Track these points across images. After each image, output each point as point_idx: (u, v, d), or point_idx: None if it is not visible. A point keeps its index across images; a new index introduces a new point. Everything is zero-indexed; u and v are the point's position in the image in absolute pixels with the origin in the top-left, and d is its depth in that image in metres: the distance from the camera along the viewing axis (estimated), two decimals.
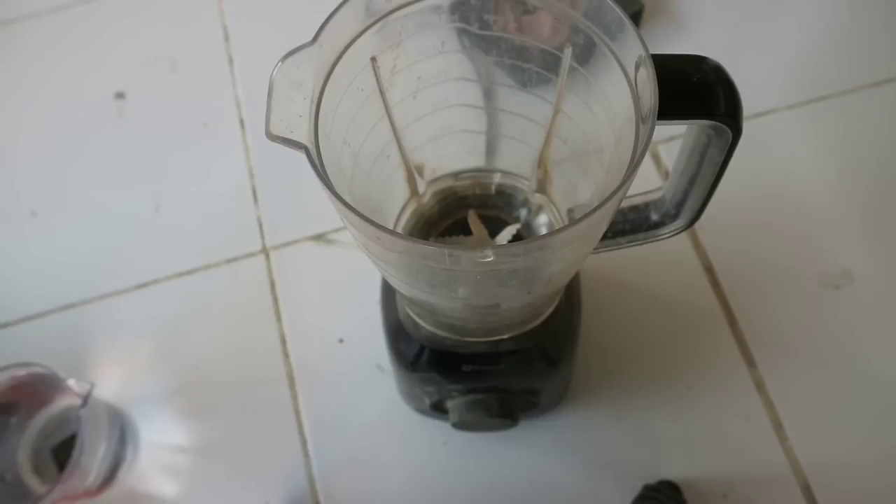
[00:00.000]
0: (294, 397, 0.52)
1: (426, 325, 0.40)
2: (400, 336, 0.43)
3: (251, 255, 0.56)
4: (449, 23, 0.31)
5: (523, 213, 0.41)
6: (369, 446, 0.50)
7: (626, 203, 0.37)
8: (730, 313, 0.52)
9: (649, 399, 0.50)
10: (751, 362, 0.51)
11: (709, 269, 0.54)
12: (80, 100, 0.63)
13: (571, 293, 0.43)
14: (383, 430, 0.50)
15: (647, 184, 0.36)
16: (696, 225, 0.36)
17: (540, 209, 0.40)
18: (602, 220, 0.28)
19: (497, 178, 0.40)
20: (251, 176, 0.59)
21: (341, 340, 0.53)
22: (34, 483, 0.49)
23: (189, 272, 0.56)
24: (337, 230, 0.57)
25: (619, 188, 0.26)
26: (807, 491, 0.47)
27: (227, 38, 0.65)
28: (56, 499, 0.44)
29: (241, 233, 0.57)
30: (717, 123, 0.27)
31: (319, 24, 0.28)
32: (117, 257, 0.57)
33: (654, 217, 0.37)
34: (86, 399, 0.44)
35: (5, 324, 0.55)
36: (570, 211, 0.38)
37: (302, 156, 0.27)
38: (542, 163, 0.38)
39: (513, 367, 0.42)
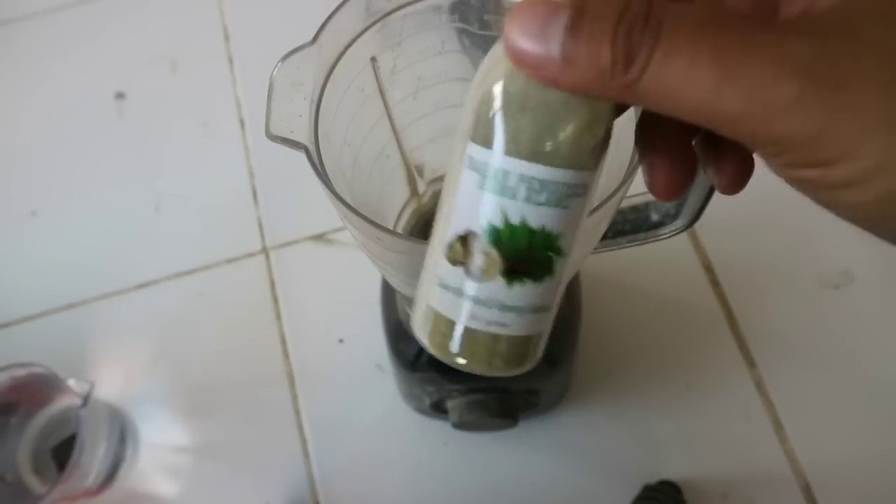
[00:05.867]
0: (294, 397, 0.52)
1: None
2: (400, 336, 0.43)
3: (251, 254, 0.56)
4: (449, 23, 0.31)
5: None
6: (369, 446, 0.50)
7: (626, 203, 0.37)
8: (730, 313, 0.52)
9: (649, 399, 0.50)
10: (751, 362, 0.51)
11: (709, 269, 0.54)
12: (80, 99, 0.63)
13: (571, 293, 0.43)
14: (383, 431, 0.50)
15: None
16: (696, 225, 0.36)
17: None
18: (602, 221, 0.28)
19: None
20: (251, 176, 0.59)
21: (341, 341, 0.53)
22: (34, 483, 0.49)
23: (189, 272, 0.56)
24: (337, 230, 0.56)
25: (619, 188, 0.26)
26: (807, 491, 0.47)
27: (227, 38, 0.65)
28: (56, 499, 0.44)
29: (241, 233, 0.57)
30: None
31: (319, 24, 0.28)
32: (117, 257, 0.57)
33: (654, 217, 0.37)
34: (86, 399, 0.44)
35: (5, 324, 0.55)
36: None
37: (302, 156, 0.27)
38: None
39: None
